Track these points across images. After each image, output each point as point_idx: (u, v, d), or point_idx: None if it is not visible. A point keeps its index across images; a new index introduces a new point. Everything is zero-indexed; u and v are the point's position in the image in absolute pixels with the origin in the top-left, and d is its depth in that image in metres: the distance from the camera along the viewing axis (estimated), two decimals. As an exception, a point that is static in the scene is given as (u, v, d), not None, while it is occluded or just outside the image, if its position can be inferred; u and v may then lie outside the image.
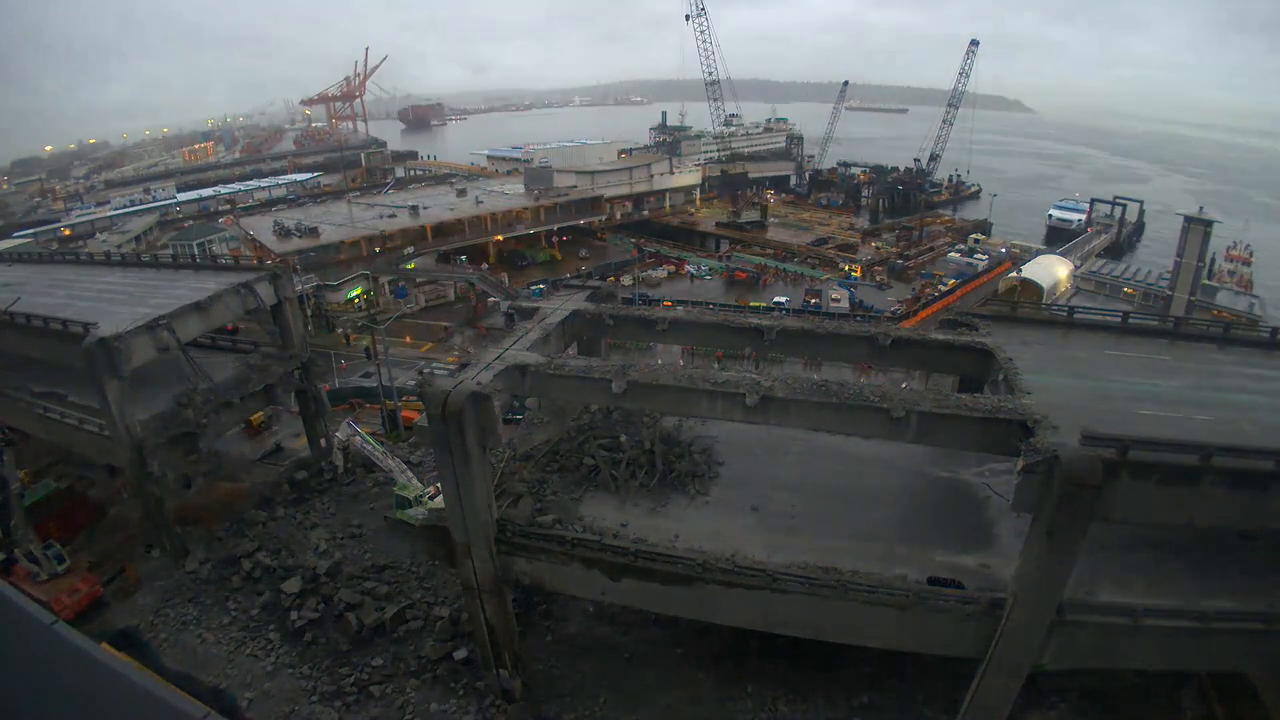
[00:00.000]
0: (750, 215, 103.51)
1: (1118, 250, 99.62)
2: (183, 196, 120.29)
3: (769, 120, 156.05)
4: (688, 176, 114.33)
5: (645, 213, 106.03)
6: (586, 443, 27.60)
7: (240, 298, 35.30)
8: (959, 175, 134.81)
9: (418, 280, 75.12)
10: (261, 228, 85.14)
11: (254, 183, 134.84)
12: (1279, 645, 19.26)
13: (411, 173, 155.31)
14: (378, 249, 78.79)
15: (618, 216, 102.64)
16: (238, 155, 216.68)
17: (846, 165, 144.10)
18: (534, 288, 64.88)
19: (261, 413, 43.30)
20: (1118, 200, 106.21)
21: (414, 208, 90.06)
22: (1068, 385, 22.14)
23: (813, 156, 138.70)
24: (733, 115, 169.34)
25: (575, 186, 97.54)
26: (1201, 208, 65.14)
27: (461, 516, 22.43)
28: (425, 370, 52.55)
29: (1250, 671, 23.47)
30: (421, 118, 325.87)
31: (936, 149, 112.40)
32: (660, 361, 47.09)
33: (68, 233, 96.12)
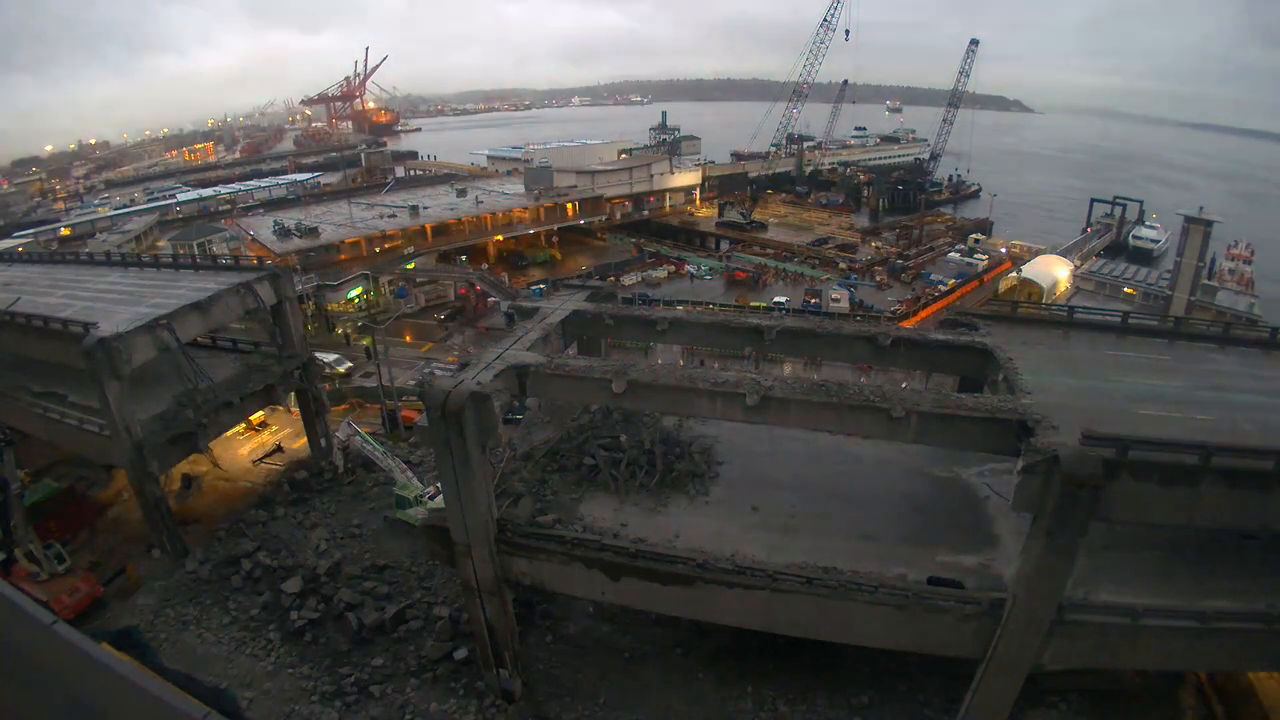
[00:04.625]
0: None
1: (1117, 250, 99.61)
2: (183, 196, 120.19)
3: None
4: (688, 176, 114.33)
5: (645, 213, 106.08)
6: (586, 443, 27.60)
7: (240, 298, 35.29)
8: (959, 174, 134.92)
9: (418, 280, 75.14)
10: (261, 228, 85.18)
11: (254, 183, 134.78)
12: (1279, 645, 19.26)
13: (412, 173, 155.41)
14: (378, 249, 78.85)
15: (618, 216, 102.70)
16: (238, 155, 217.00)
17: (846, 165, 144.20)
18: (534, 288, 64.90)
19: (261, 412, 43.33)
20: (1118, 200, 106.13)
21: (414, 208, 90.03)
22: (1068, 385, 22.10)
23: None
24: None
25: (575, 186, 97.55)
26: (1201, 207, 64.98)
27: (461, 516, 22.41)
28: (426, 371, 52.66)
29: (1250, 671, 23.51)
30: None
31: (937, 148, 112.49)
32: (661, 361, 47.16)
33: (68, 233, 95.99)
